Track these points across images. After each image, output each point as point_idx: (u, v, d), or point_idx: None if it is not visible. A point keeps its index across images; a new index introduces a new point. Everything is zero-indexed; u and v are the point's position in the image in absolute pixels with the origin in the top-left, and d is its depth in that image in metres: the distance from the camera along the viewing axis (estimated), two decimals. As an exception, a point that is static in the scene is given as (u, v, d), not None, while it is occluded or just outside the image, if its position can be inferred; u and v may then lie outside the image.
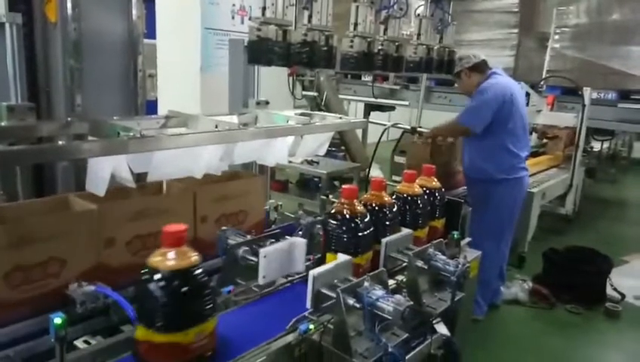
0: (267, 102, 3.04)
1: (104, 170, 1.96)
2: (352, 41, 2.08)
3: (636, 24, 6.01)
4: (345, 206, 2.15)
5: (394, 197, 2.50)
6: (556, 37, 6.51)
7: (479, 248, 3.68)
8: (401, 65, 2.37)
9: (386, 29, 2.29)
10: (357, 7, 2.09)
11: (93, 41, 2.80)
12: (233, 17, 4.81)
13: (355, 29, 2.09)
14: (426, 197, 2.59)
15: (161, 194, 2.35)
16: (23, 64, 2.53)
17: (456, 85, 4.08)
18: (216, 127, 2.37)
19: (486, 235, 3.69)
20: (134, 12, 2.93)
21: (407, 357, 1.79)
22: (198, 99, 4.52)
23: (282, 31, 1.70)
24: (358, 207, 2.17)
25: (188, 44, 4.51)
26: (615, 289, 4.44)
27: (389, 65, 2.28)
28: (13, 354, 1.59)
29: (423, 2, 2.54)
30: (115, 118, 2.42)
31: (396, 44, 2.29)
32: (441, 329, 2.10)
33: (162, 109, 4.31)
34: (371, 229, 2.18)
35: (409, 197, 2.53)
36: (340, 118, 2.54)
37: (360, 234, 2.12)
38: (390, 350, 1.66)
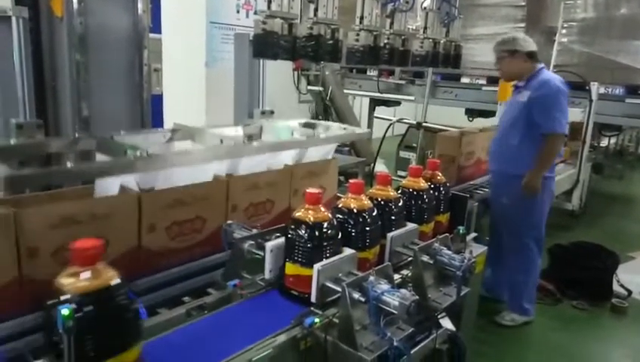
0: (272, 112, 3.07)
1: (112, 189, 2.01)
2: (357, 35, 2.07)
3: (644, 18, 5.95)
4: (352, 200, 2.14)
5: (399, 191, 2.49)
6: (563, 31, 6.46)
7: (523, 251, 3.71)
8: (408, 59, 2.36)
9: (392, 23, 2.28)
10: (363, 0, 2.07)
11: (98, 35, 2.81)
12: (238, 11, 4.80)
13: (360, 22, 2.08)
14: (431, 191, 2.58)
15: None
16: (29, 58, 2.54)
17: (498, 65, 3.78)
18: (222, 142, 2.45)
19: (528, 236, 3.69)
20: (140, 6, 2.93)
21: (412, 352, 1.79)
22: (204, 93, 4.52)
23: (288, 24, 1.69)
24: (365, 201, 2.16)
25: (193, 38, 4.51)
26: (621, 286, 4.42)
27: (395, 60, 2.26)
28: (22, 346, 1.60)
29: None
30: (122, 132, 2.45)
31: (402, 37, 2.27)
32: (447, 324, 2.10)
33: (168, 104, 4.33)
34: (378, 223, 2.17)
35: (414, 192, 2.52)
36: (345, 128, 2.57)
37: (368, 228, 2.12)
38: (395, 344, 1.66)
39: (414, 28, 2.58)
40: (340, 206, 2.16)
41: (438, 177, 2.72)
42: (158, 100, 3.96)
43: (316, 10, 1.84)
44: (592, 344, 3.79)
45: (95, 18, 2.76)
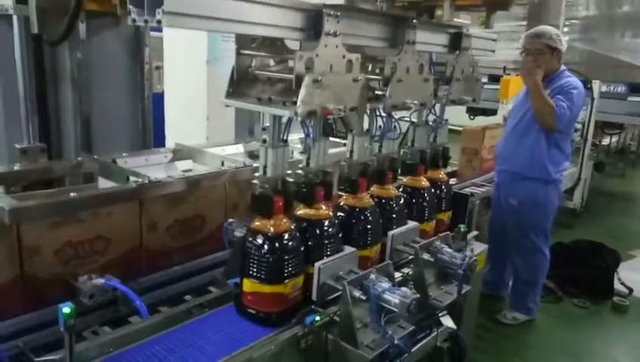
0: None
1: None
2: (348, 167, 2.21)
3: (647, 16, 5.94)
4: (353, 198, 2.14)
5: (400, 190, 2.49)
6: (565, 29, 6.44)
7: (534, 252, 3.69)
8: (397, 171, 2.49)
9: (380, 147, 2.40)
10: (353, 137, 2.21)
11: (100, 33, 2.81)
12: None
13: (351, 157, 2.22)
14: (432, 190, 2.58)
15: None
16: (30, 56, 2.54)
17: (530, 58, 3.46)
18: (222, 164, 2.51)
19: (538, 237, 3.67)
20: (141, 4, 2.93)
21: (413, 350, 1.79)
22: (205, 91, 4.51)
23: (282, 182, 1.85)
24: (366, 199, 2.16)
25: (194, 36, 4.50)
26: (623, 284, 4.41)
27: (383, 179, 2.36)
28: (22, 344, 1.61)
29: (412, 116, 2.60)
30: (124, 154, 2.49)
31: (390, 159, 2.42)
32: (448, 322, 2.10)
33: (169, 102, 4.33)
34: (379, 221, 2.18)
35: (415, 191, 2.52)
36: (344, 144, 2.58)
37: (369, 226, 2.12)
38: (396, 342, 1.66)
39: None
40: (341, 204, 2.16)
41: (440, 176, 2.72)
42: (159, 98, 3.97)
43: (309, 159, 1.95)
44: (592, 342, 3.79)
45: (97, 18, 2.76)
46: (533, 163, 3.52)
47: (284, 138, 1.84)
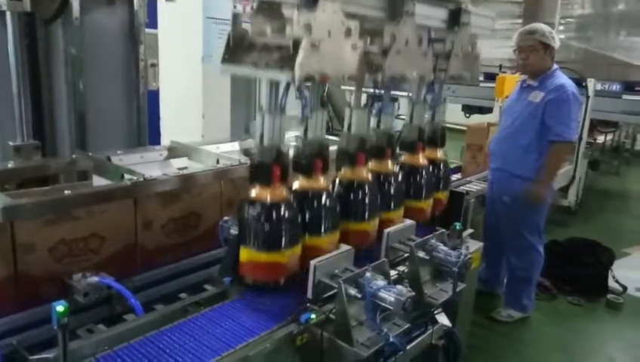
0: None
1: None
2: (347, 141, 2.20)
3: (642, 15, 5.96)
4: (351, 172, 2.15)
5: (399, 167, 2.48)
6: (560, 27, 6.46)
7: (528, 250, 3.70)
8: (395, 149, 2.49)
9: (378, 122, 2.39)
10: (351, 110, 2.22)
11: (94, 30, 2.79)
12: (235, 6, 4.79)
13: (349, 130, 2.22)
14: (430, 168, 2.57)
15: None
16: (24, 53, 2.53)
17: (523, 55, 3.50)
18: (218, 161, 2.49)
19: (532, 235, 3.68)
20: (136, 1, 2.92)
21: (408, 347, 1.80)
22: (200, 88, 4.50)
23: (278, 152, 1.83)
24: (365, 173, 2.17)
25: (190, 33, 4.49)
26: (617, 281, 4.43)
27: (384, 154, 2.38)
28: (16, 342, 1.60)
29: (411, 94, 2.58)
30: (118, 152, 2.46)
31: (388, 134, 2.40)
32: (443, 319, 2.11)
33: (164, 100, 4.30)
34: (377, 195, 2.18)
35: (413, 168, 2.50)
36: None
37: (367, 199, 2.12)
38: (391, 340, 1.66)
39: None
40: (339, 178, 2.15)
41: (438, 155, 2.70)
42: (154, 95, 3.94)
43: (306, 130, 1.94)
44: (587, 339, 3.81)
45: (91, 13, 2.74)
46: (528, 163, 3.53)
47: (281, 105, 1.80)
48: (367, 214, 2.15)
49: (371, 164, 2.30)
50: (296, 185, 1.96)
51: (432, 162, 2.64)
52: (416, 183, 2.52)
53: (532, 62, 3.49)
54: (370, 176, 2.19)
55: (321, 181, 1.96)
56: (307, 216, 1.92)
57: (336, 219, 2.00)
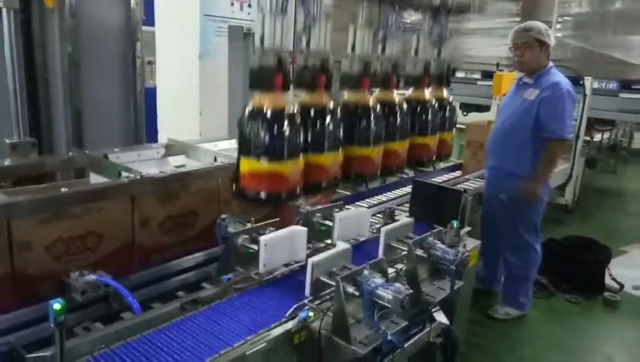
0: None
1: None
2: (350, 63, 2.08)
3: (639, 13, 5.96)
4: (356, 95, 2.12)
5: (403, 100, 2.45)
6: (558, 26, 6.47)
7: (525, 248, 3.70)
8: (400, 82, 2.40)
9: (383, 48, 2.28)
10: (355, 29, 2.11)
11: (91, 27, 2.78)
12: (232, 4, 4.76)
13: (353, 50, 2.11)
14: (436, 106, 2.54)
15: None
16: (20, 50, 2.52)
17: (518, 52, 3.49)
18: (215, 159, 2.46)
19: (528, 233, 3.69)
20: (132, -1, 2.91)
21: (406, 345, 1.80)
22: (197, 86, 4.49)
23: (281, 57, 1.73)
24: (369, 97, 2.13)
25: (187, 31, 4.47)
26: (614, 279, 4.45)
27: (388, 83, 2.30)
28: (13, 341, 1.59)
29: (420, 17, 2.50)
30: (115, 149, 2.44)
31: (394, 62, 2.31)
32: (440, 317, 2.11)
33: (161, 97, 4.30)
34: (382, 120, 2.16)
35: (418, 103, 2.47)
36: None
37: (370, 124, 2.10)
38: (389, 338, 1.66)
39: (405, 50, 2.60)
40: (343, 102, 2.11)
41: (444, 95, 2.67)
42: (151, 93, 3.94)
43: (309, 41, 1.85)
44: (584, 337, 3.82)
45: (87, 10, 2.73)
46: (523, 161, 3.53)
47: (284, 7, 1.72)
48: (370, 139, 2.08)
49: (376, 92, 2.26)
50: (297, 99, 1.89)
51: (438, 99, 2.59)
52: (421, 118, 2.48)
53: (527, 60, 3.50)
54: (373, 100, 2.13)
55: (324, 97, 1.89)
56: (309, 132, 1.84)
57: (337, 138, 1.92)
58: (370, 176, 2.13)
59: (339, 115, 1.95)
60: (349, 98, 2.08)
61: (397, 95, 2.31)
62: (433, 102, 2.51)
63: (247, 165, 1.76)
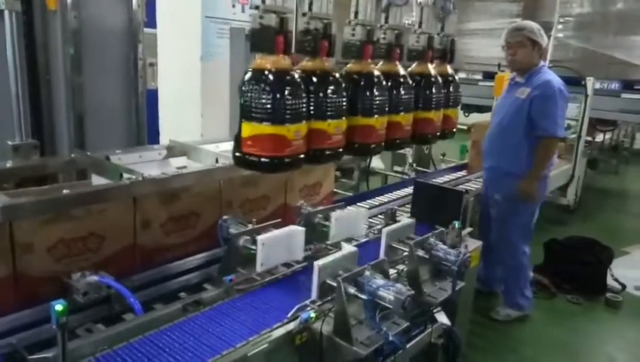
0: None
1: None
2: (353, 30, 2.06)
3: (640, 14, 5.96)
4: (359, 65, 2.09)
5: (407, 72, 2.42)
6: (559, 26, 6.46)
7: (512, 248, 3.69)
8: (403, 54, 2.37)
9: (387, 18, 2.27)
10: None
11: (93, 29, 2.79)
12: (234, 6, 4.77)
13: (355, 17, 2.07)
14: (440, 81, 2.52)
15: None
16: (22, 52, 2.52)
17: (511, 51, 3.54)
18: (217, 161, 2.45)
19: (515, 233, 3.68)
20: (134, 1, 2.92)
21: (407, 346, 1.80)
22: (199, 87, 4.50)
23: (283, 19, 1.70)
24: (372, 67, 2.12)
25: (188, 32, 4.48)
26: (616, 280, 4.44)
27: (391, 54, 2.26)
28: (15, 342, 1.60)
29: None
30: (117, 151, 2.44)
31: (396, 32, 2.27)
32: (442, 318, 2.11)
33: (163, 99, 4.31)
34: (385, 91, 2.13)
35: (422, 77, 2.44)
36: None
37: (373, 93, 2.08)
38: (391, 338, 1.66)
39: (409, 23, 2.57)
40: (346, 71, 2.10)
41: (449, 71, 2.65)
42: (152, 95, 3.94)
43: (311, 4, 1.82)
44: (586, 338, 3.81)
45: (89, 12, 2.74)
46: (518, 160, 3.55)
47: None
48: (373, 108, 2.05)
49: (379, 65, 2.24)
50: (299, 65, 1.88)
51: (442, 75, 2.59)
52: (427, 92, 2.44)
53: (519, 59, 3.53)
54: (375, 70, 2.11)
55: (326, 63, 1.88)
56: (312, 98, 1.82)
57: (340, 105, 1.91)
58: (374, 146, 2.11)
59: (342, 83, 1.94)
60: (352, 67, 2.07)
61: (400, 68, 2.29)
62: (437, 77, 2.49)
63: (248, 129, 1.73)
